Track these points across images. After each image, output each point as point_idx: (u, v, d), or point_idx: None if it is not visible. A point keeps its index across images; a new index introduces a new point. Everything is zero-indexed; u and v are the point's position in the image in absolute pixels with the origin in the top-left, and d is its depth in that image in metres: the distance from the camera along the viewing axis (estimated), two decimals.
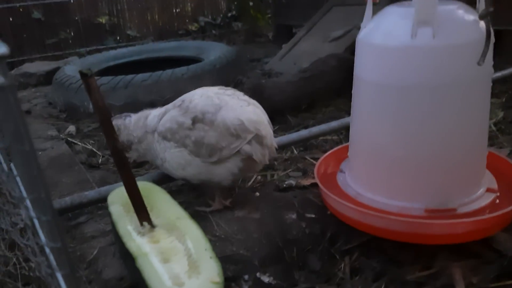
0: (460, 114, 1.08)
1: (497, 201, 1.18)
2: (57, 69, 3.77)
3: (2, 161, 0.95)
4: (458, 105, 1.06)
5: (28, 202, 0.90)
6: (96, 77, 3.00)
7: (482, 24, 1.04)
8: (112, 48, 4.82)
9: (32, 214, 0.86)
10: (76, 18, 5.16)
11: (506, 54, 2.66)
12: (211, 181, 1.45)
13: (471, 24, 1.04)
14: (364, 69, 1.18)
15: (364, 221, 1.13)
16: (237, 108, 1.44)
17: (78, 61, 3.65)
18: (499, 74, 2.32)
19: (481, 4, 1.06)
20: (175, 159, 1.45)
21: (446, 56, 1.02)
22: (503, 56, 2.58)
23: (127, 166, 1.12)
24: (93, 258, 1.29)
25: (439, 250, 1.16)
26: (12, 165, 0.84)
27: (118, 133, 1.50)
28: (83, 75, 1.03)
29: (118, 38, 5.43)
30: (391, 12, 1.14)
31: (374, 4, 1.21)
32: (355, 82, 1.23)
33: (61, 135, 2.48)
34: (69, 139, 2.43)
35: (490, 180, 1.25)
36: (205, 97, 1.46)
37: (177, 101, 1.51)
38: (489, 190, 1.20)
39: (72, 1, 5.13)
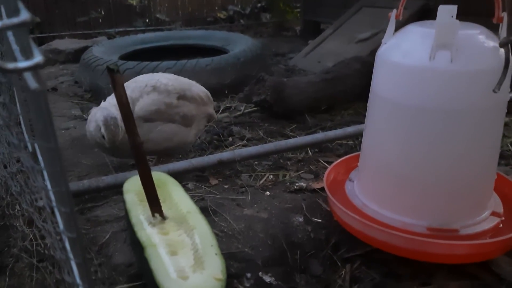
0: (471, 139, 1.09)
1: (501, 225, 1.19)
2: (85, 48, 3.86)
3: (29, 145, 1.02)
4: (470, 130, 1.08)
5: (50, 193, 0.96)
6: (122, 61, 3.07)
7: (502, 51, 1.04)
8: (140, 30, 4.90)
9: (53, 203, 0.92)
10: None
11: None
12: (185, 143, 1.84)
13: (490, 51, 1.05)
14: (380, 84, 1.19)
15: (367, 233, 1.16)
16: (196, 84, 1.92)
17: (107, 42, 3.73)
18: None
19: (503, 32, 1.06)
20: (163, 134, 1.73)
21: (462, 81, 1.03)
22: None
23: (144, 161, 1.17)
24: (104, 242, 1.36)
25: (438, 268, 1.18)
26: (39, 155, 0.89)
27: (110, 125, 1.56)
28: (110, 70, 1.08)
29: (147, 21, 5.50)
30: (412, 31, 1.15)
31: (397, 20, 1.22)
32: (371, 95, 1.25)
33: (84, 115, 2.56)
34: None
35: (496, 204, 1.26)
36: (173, 79, 1.82)
37: (144, 88, 1.72)
38: (494, 214, 1.21)
39: None
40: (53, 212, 0.98)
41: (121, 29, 5.05)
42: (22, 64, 0.56)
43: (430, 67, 1.04)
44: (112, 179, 1.62)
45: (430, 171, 1.11)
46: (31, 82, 0.59)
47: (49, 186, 0.78)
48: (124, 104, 1.09)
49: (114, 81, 1.08)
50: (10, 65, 0.56)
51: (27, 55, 0.59)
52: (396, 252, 1.14)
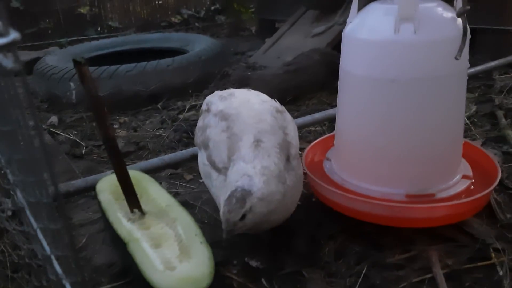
0: (439, 106, 1.14)
1: (472, 187, 1.27)
2: (37, 59, 3.70)
3: None
4: (437, 97, 1.13)
5: (18, 192, 0.92)
6: None
7: (459, 21, 1.10)
8: (93, 38, 4.76)
9: (22, 201, 0.88)
10: (56, 8, 5.06)
11: (479, 51, 2.78)
12: None
13: (449, 21, 1.10)
14: (349, 62, 1.23)
15: (350, 206, 1.19)
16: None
17: (60, 51, 3.60)
18: (472, 70, 2.42)
19: (459, 3, 1.12)
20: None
21: (426, 50, 1.08)
22: (476, 53, 2.69)
23: (118, 154, 1.14)
24: (82, 245, 1.32)
25: (417, 235, 1.23)
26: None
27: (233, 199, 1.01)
28: (76, 63, 1.05)
29: (99, 29, 5.36)
30: (375, 9, 1.19)
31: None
32: (341, 74, 1.28)
33: (43, 126, 2.46)
34: (51, 129, 2.42)
35: (465, 168, 1.33)
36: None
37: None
38: (464, 177, 1.28)
39: None
40: (25, 213, 0.94)
41: (73, 38, 4.89)
42: None
43: (396, 40, 1.08)
44: (83, 182, 1.57)
45: (404, 140, 1.15)
46: (6, 62, 0.57)
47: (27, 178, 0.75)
48: (94, 96, 1.06)
49: (82, 74, 1.05)
50: None
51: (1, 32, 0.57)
52: (379, 222, 1.17)
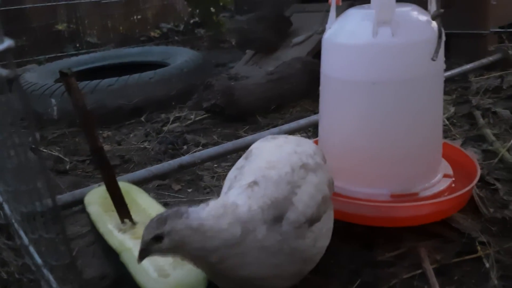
0: (418, 107, 1.18)
1: (453, 185, 1.31)
2: None
3: None
4: (416, 98, 1.17)
5: (7, 205, 0.91)
6: (59, 83, 2.91)
7: (434, 24, 1.15)
8: (72, 55, 4.73)
9: (11, 213, 0.87)
10: (33, 26, 5.02)
11: (454, 55, 2.87)
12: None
13: (425, 24, 1.16)
14: (330, 66, 1.27)
15: (339, 208, 1.21)
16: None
17: (39, 68, 3.57)
18: (448, 73, 2.50)
19: (432, 6, 1.17)
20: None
21: (404, 52, 1.13)
22: (451, 57, 2.78)
23: (107, 164, 1.15)
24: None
25: (405, 233, 1.26)
26: None
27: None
28: (63, 74, 1.05)
29: (77, 45, 5.33)
30: (353, 14, 1.24)
31: (337, 6, 1.30)
32: (322, 79, 1.32)
33: (27, 143, 2.43)
34: (33, 146, 2.39)
35: (446, 167, 1.37)
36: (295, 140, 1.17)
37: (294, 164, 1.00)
38: (445, 175, 1.33)
39: (28, 8, 5.00)
40: (15, 228, 0.93)
41: (51, 55, 4.85)
42: None
43: (375, 43, 1.13)
44: (70, 196, 1.56)
45: (386, 140, 1.19)
46: (1, 69, 0.57)
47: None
48: (81, 107, 1.07)
49: (69, 85, 1.06)
50: None
51: None
52: (366, 223, 1.20)
